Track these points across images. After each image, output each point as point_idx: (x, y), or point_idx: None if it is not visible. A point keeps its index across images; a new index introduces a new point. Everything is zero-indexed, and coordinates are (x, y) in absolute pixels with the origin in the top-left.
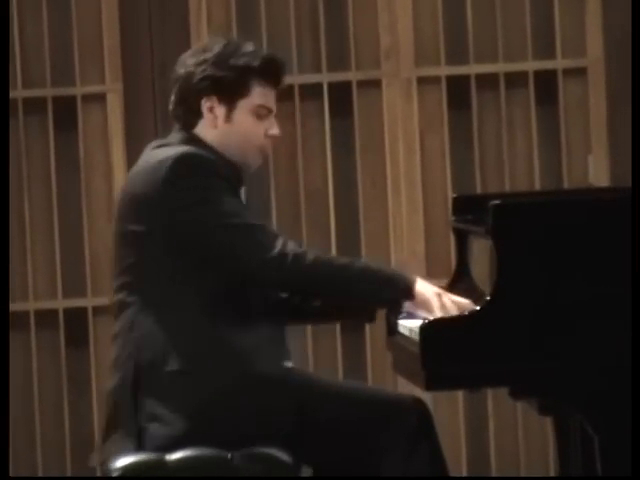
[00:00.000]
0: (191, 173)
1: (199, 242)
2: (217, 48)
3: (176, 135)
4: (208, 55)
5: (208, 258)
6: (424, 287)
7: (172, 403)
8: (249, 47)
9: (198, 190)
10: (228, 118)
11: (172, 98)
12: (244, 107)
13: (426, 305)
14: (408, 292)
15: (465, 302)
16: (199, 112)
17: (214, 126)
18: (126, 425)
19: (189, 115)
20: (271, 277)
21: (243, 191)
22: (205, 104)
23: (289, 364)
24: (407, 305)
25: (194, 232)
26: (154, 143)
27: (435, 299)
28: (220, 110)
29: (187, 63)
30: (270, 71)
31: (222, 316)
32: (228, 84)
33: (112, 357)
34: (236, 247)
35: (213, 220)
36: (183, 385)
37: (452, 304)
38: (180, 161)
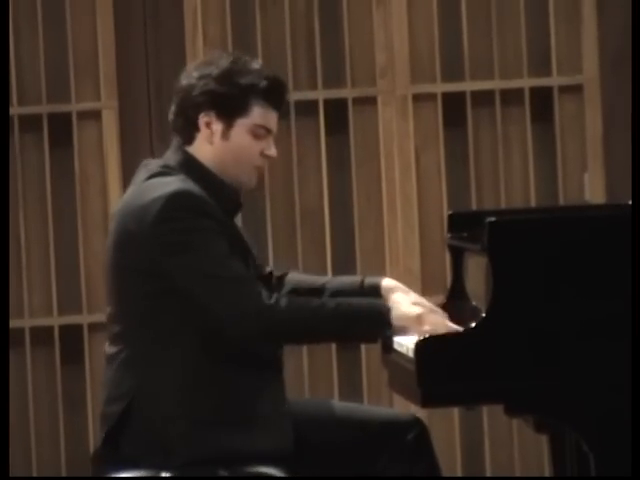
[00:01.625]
0: (180, 215)
1: (179, 290)
2: (223, 63)
3: (173, 157)
4: (213, 69)
5: (189, 298)
6: (400, 313)
7: (169, 443)
8: (255, 65)
9: (184, 234)
10: (225, 135)
11: (172, 108)
12: (242, 126)
13: (406, 333)
14: (384, 324)
15: (450, 325)
16: (197, 126)
17: (210, 142)
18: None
19: (187, 128)
20: (246, 333)
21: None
22: (203, 119)
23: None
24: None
25: (175, 279)
26: (150, 167)
27: (413, 326)
28: (217, 126)
29: (191, 75)
30: (273, 93)
31: (216, 357)
32: (228, 101)
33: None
34: (211, 303)
35: (193, 270)
36: (177, 428)
37: (432, 325)
38: (170, 202)
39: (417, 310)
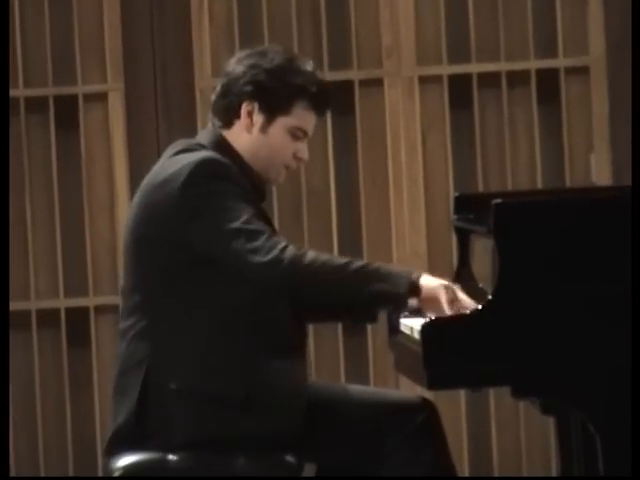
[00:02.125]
0: (206, 180)
1: (205, 249)
2: (277, 58)
3: (206, 135)
4: (266, 61)
5: (215, 266)
6: (430, 282)
7: (177, 418)
8: (308, 67)
9: (210, 197)
10: (264, 129)
11: (217, 89)
12: (282, 124)
13: (434, 301)
14: (413, 288)
15: (471, 302)
16: (238, 113)
17: (248, 131)
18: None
19: (228, 112)
20: (268, 281)
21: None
22: (246, 107)
23: (302, 383)
24: (414, 302)
25: (201, 240)
26: (179, 144)
27: (443, 294)
28: (258, 118)
29: (242, 61)
30: (319, 99)
31: (234, 333)
32: (273, 96)
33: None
34: (234, 251)
35: (217, 226)
36: (190, 401)
37: (461, 300)
38: (196, 169)
39: (445, 282)
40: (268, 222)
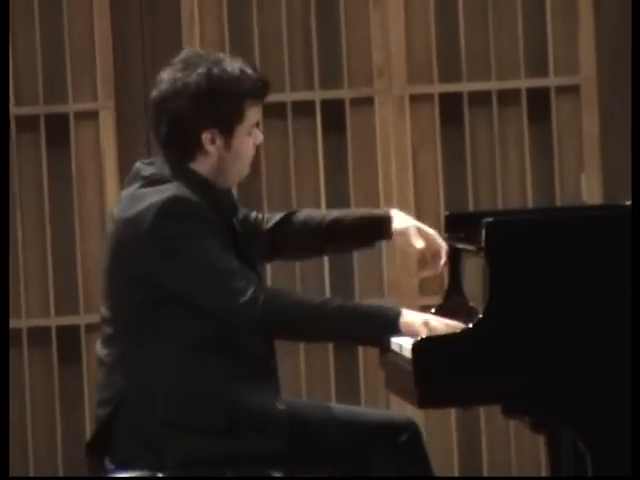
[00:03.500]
0: (173, 221)
1: (177, 289)
2: (216, 74)
3: (165, 169)
4: (205, 83)
5: (185, 307)
6: (409, 319)
7: (159, 447)
8: (235, 65)
9: (179, 239)
10: (227, 146)
11: (162, 125)
12: (241, 132)
13: (414, 335)
14: (392, 327)
15: (455, 324)
16: (198, 144)
17: (215, 155)
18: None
19: (186, 146)
20: (244, 322)
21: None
22: (206, 137)
23: (278, 404)
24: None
25: (173, 281)
26: (143, 174)
27: (423, 331)
28: (219, 140)
29: (182, 92)
30: (260, 90)
31: (205, 362)
32: (228, 115)
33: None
34: (207, 296)
35: (188, 268)
36: (172, 432)
37: (442, 329)
38: (162, 210)
39: (423, 314)
40: (240, 250)
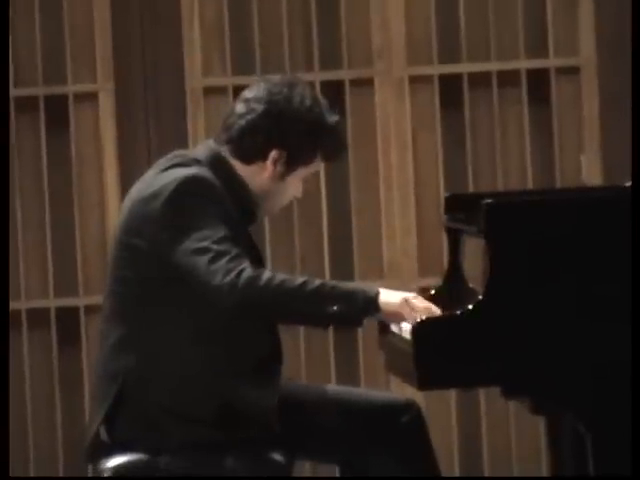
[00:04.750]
0: (186, 197)
1: (173, 264)
2: (314, 114)
3: (205, 152)
4: (303, 113)
5: (185, 284)
6: (389, 297)
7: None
8: (334, 119)
9: (187, 214)
10: (282, 177)
11: (242, 123)
12: (300, 173)
13: (395, 316)
14: (371, 307)
15: (434, 308)
16: (264, 156)
17: (268, 176)
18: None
19: (252, 151)
20: (222, 303)
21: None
22: (274, 155)
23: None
24: (378, 317)
25: (171, 255)
26: (174, 157)
27: (403, 308)
28: (281, 167)
29: (279, 106)
30: (337, 154)
31: (207, 350)
32: (304, 153)
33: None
34: (196, 270)
35: (186, 243)
36: (161, 416)
37: (422, 307)
38: (179, 186)
39: (404, 294)
40: (249, 244)
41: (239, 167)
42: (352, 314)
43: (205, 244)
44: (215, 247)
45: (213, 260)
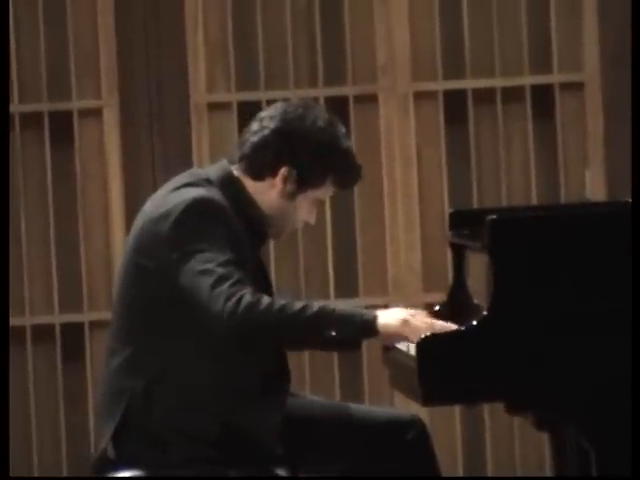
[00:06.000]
0: (194, 219)
1: (179, 286)
2: (327, 134)
3: (218, 172)
4: (313, 134)
5: (191, 306)
6: (387, 319)
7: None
8: (348, 144)
9: (193, 237)
10: (292, 196)
11: (255, 139)
12: (310, 196)
13: (396, 338)
14: (369, 331)
15: (437, 322)
16: (273, 173)
17: (277, 193)
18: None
19: (262, 167)
20: (224, 329)
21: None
22: (284, 172)
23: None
24: (380, 340)
25: (177, 277)
26: (186, 177)
27: (403, 329)
28: (291, 185)
29: (289, 123)
30: (350, 182)
31: (212, 370)
32: (313, 173)
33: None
34: (200, 297)
35: (190, 265)
36: (168, 431)
37: (423, 326)
38: (188, 208)
39: (403, 314)
40: (256, 266)
41: (250, 184)
42: (350, 339)
43: (209, 266)
44: (219, 270)
45: (215, 284)
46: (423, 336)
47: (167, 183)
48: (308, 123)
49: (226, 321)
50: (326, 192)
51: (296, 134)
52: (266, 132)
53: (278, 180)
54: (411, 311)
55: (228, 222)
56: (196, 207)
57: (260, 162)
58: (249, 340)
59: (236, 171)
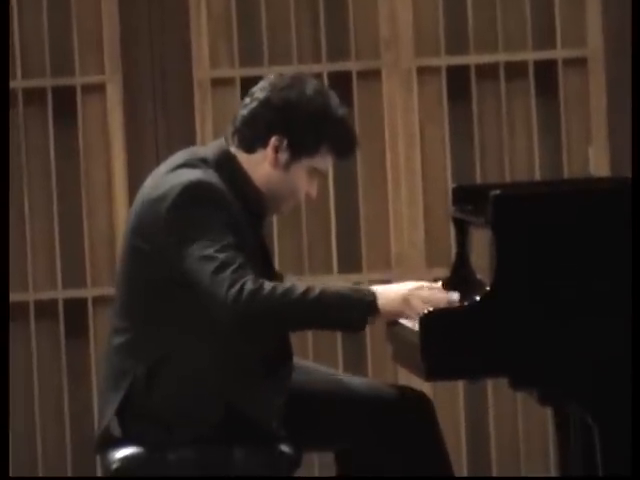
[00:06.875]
0: (191, 204)
1: (180, 271)
2: (315, 102)
3: (214, 150)
4: (303, 101)
5: (192, 289)
6: (387, 297)
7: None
8: (341, 111)
9: (191, 222)
10: (286, 166)
11: (246, 110)
12: (305, 164)
13: (398, 316)
14: (370, 310)
15: (438, 297)
16: (264, 143)
17: (270, 164)
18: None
19: (253, 139)
20: (228, 317)
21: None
22: (275, 141)
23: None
24: (382, 318)
25: (177, 263)
26: (182, 156)
27: (404, 308)
28: (283, 154)
29: (278, 93)
30: (346, 149)
31: (216, 355)
32: (305, 139)
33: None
34: (201, 282)
35: (191, 250)
36: (169, 414)
37: (423, 305)
38: (184, 191)
39: (403, 291)
40: (257, 245)
41: (244, 159)
42: (352, 320)
43: (210, 252)
44: (220, 256)
45: (217, 271)
46: (426, 311)
47: (166, 160)
48: (297, 92)
49: (229, 308)
50: (324, 162)
51: (284, 103)
52: (255, 104)
53: (269, 150)
54: (415, 284)
55: (225, 205)
56: (192, 190)
57: (251, 134)
58: (253, 326)
59: (232, 148)
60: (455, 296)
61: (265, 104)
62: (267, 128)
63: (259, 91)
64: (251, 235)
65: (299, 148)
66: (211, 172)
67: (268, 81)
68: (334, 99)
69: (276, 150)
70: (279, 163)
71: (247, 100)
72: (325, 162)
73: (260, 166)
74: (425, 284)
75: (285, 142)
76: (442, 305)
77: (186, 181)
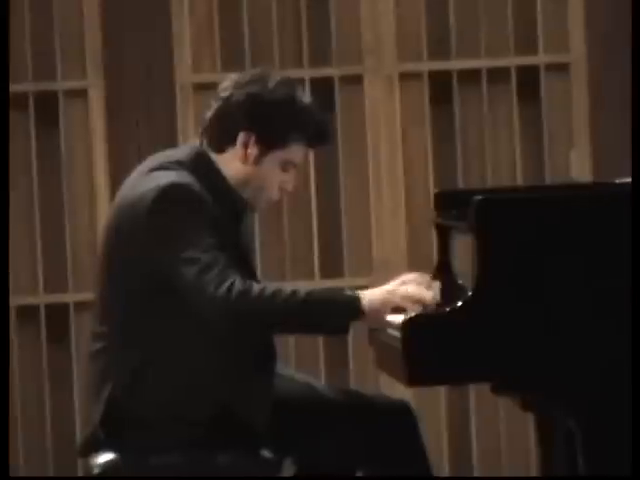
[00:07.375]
0: (169, 207)
1: (163, 276)
2: (279, 92)
3: (187, 152)
4: (267, 93)
5: (176, 294)
6: (371, 299)
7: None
8: (307, 101)
9: (171, 225)
10: (257, 160)
11: (212, 110)
12: (276, 157)
13: (384, 312)
14: (354, 314)
15: (421, 293)
16: (233, 140)
17: (241, 161)
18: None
19: (222, 137)
20: (216, 317)
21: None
22: (243, 137)
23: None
24: (369, 320)
25: (160, 267)
26: (156, 159)
27: (390, 298)
28: (253, 149)
29: (243, 88)
30: (317, 138)
31: (200, 357)
32: (272, 131)
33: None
34: (186, 281)
35: (173, 254)
36: (156, 417)
37: (409, 301)
38: (161, 195)
39: (386, 287)
40: (236, 244)
41: (216, 159)
42: (339, 323)
43: (192, 254)
44: (203, 257)
45: (202, 272)
46: (408, 316)
47: (138, 168)
48: (259, 86)
49: (220, 307)
50: (295, 153)
51: (248, 98)
52: (219, 103)
53: (239, 147)
54: (396, 282)
55: (202, 207)
56: (169, 193)
57: (219, 134)
58: (242, 325)
59: (205, 149)
60: (435, 285)
61: (229, 102)
62: (234, 125)
63: (223, 91)
64: (230, 235)
65: (268, 141)
66: (186, 174)
67: (231, 80)
68: (298, 89)
69: (245, 146)
70: (249, 159)
71: (212, 102)
72: (297, 153)
73: (232, 164)
74: (406, 277)
75: (253, 137)
76: (425, 294)
77: (162, 184)
